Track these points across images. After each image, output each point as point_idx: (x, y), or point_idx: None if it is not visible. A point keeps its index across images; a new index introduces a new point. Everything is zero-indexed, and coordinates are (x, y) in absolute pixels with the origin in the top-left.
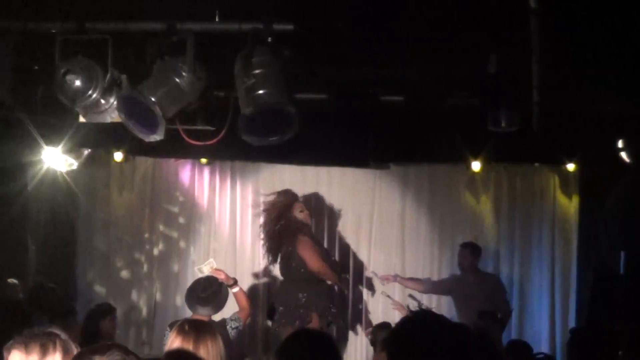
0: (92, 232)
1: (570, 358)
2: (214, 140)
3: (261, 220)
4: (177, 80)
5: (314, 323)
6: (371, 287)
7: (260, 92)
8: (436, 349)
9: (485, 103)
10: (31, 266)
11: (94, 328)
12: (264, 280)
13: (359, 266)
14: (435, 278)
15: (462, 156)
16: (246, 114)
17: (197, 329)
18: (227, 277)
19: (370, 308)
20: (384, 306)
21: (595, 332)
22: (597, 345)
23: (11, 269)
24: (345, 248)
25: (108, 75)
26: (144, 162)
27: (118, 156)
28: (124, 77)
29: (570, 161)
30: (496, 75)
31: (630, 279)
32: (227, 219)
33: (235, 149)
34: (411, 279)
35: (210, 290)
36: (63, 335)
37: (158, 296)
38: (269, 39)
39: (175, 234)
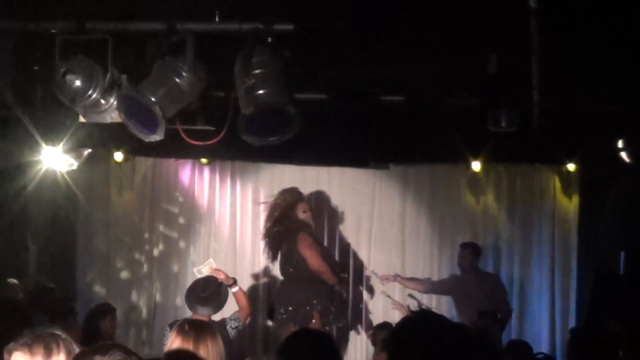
0: (92, 233)
1: (570, 358)
2: (214, 140)
3: (262, 217)
4: (177, 80)
5: (316, 322)
6: (371, 287)
7: (260, 92)
8: (436, 349)
9: (485, 103)
10: (31, 266)
11: (94, 328)
12: (264, 280)
13: (359, 266)
14: (435, 278)
15: (462, 156)
16: (246, 114)
17: (197, 329)
18: (227, 277)
19: (370, 308)
20: (384, 306)
21: (595, 332)
22: (597, 345)
23: (11, 269)
24: (345, 248)
25: (108, 75)
26: (144, 162)
27: (118, 156)
28: (124, 77)
29: (570, 161)
30: (496, 75)
31: (630, 279)
32: (227, 219)
33: (235, 149)
34: (411, 278)
35: (209, 290)
36: (65, 336)
37: (158, 297)
38: (269, 39)
39: (175, 234)
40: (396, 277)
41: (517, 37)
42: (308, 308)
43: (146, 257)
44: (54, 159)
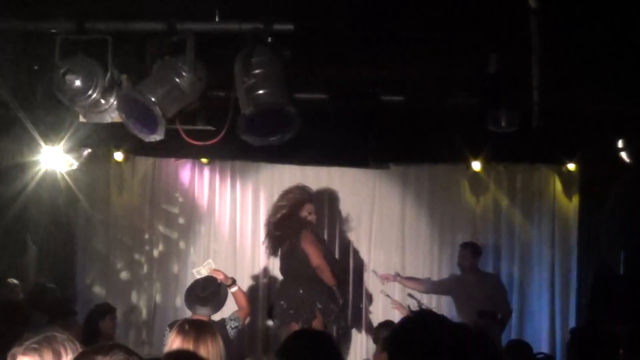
0: (91, 233)
1: (570, 358)
2: (214, 140)
3: (263, 211)
4: (177, 80)
5: (318, 321)
6: (371, 287)
7: (260, 92)
8: (436, 349)
9: (485, 103)
10: (31, 267)
11: (93, 328)
12: (264, 280)
13: (359, 266)
14: (435, 278)
15: (462, 156)
16: (246, 114)
17: (197, 329)
18: (226, 277)
19: (370, 308)
20: (384, 306)
21: (595, 332)
22: (597, 345)
23: (11, 270)
24: (345, 248)
25: (108, 75)
26: (144, 162)
27: (118, 156)
28: (124, 77)
29: (570, 161)
30: (496, 75)
31: (630, 279)
32: (227, 219)
33: (235, 149)
34: (411, 278)
35: (209, 290)
36: (70, 337)
37: (158, 297)
38: (269, 39)
39: (175, 235)
40: (396, 277)
41: (517, 37)
42: (311, 306)
43: (146, 258)
44: (54, 159)
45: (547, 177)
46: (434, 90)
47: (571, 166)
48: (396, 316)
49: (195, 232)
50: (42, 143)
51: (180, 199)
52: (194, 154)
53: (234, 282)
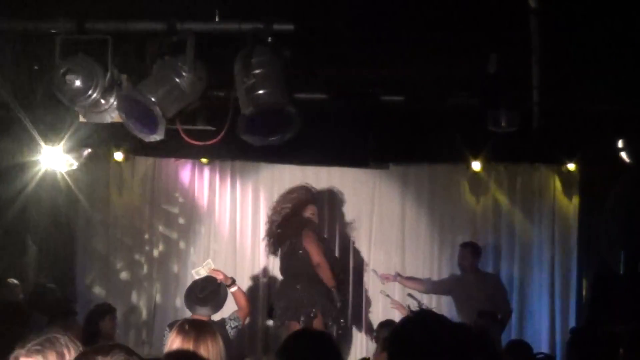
0: (91, 233)
1: (570, 358)
2: (214, 140)
3: (263, 211)
4: (177, 80)
5: (318, 321)
6: (371, 287)
7: (260, 92)
8: (436, 349)
9: (485, 103)
10: (31, 267)
11: (93, 328)
12: (264, 280)
13: (359, 266)
14: (435, 278)
15: (462, 156)
16: (246, 114)
17: (197, 329)
18: (225, 276)
19: (370, 308)
20: (384, 306)
21: (595, 332)
22: (597, 345)
23: (11, 270)
24: (345, 248)
25: (108, 75)
26: (144, 162)
27: (118, 156)
28: (124, 76)
29: (570, 161)
30: (496, 75)
31: (630, 279)
32: (227, 219)
33: (235, 149)
34: (411, 278)
35: (208, 290)
36: (71, 338)
37: (158, 297)
38: (269, 39)
39: (175, 235)
40: (396, 277)
41: (517, 37)
42: (311, 307)
43: (146, 258)
44: (54, 159)
45: (547, 177)
46: (434, 90)
47: (571, 166)
48: (396, 316)
49: (195, 232)
50: (42, 143)
51: (180, 199)
52: (194, 154)
53: (233, 282)
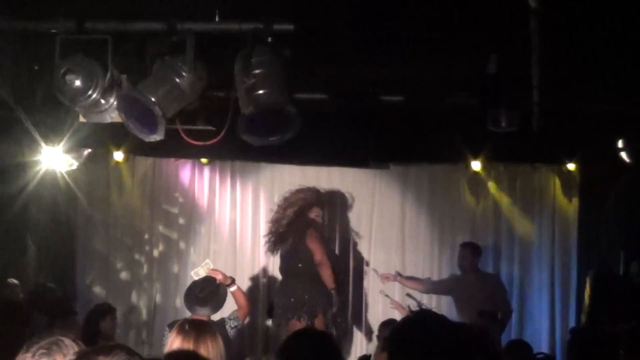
0: (91, 233)
1: (570, 358)
2: (214, 140)
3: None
4: (177, 80)
5: (319, 321)
6: (371, 287)
7: (260, 92)
8: (436, 349)
9: (485, 103)
10: (31, 266)
11: (94, 328)
12: (264, 280)
13: (359, 266)
14: (435, 278)
15: (462, 156)
16: (246, 114)
17: (197, 329)
18: (225, 276)
19: (370, 308)
20: (384, 306)
21: (595, 332)
22: (597, 345)
23: (11, 269)
24: (345, 247)
25: (108, 75)
26: (144, 162)
27: (118, 156)
28: (124, 76)
29: (570, 161)
30: (496, 75)
31: (630, 279)
32: (227, 219)
33: (235, 149)
34: (411, 278)
35: (207, 290)
36: (75, 340)
37: (158, 297)
38: (269, 39)
39: (175, 235)
40: (397, 277)
41: (517, 37)
42: (311, 307)
43: (146, 258)
44: (54, 159)
45: (547, 177)
46: (433, 90)
47: (571, 166)
48: (396, 316)
49: (195, 233)
50: (42, 143)
51: (180, 199)
52: (194, 154)
53: (233, 281)
